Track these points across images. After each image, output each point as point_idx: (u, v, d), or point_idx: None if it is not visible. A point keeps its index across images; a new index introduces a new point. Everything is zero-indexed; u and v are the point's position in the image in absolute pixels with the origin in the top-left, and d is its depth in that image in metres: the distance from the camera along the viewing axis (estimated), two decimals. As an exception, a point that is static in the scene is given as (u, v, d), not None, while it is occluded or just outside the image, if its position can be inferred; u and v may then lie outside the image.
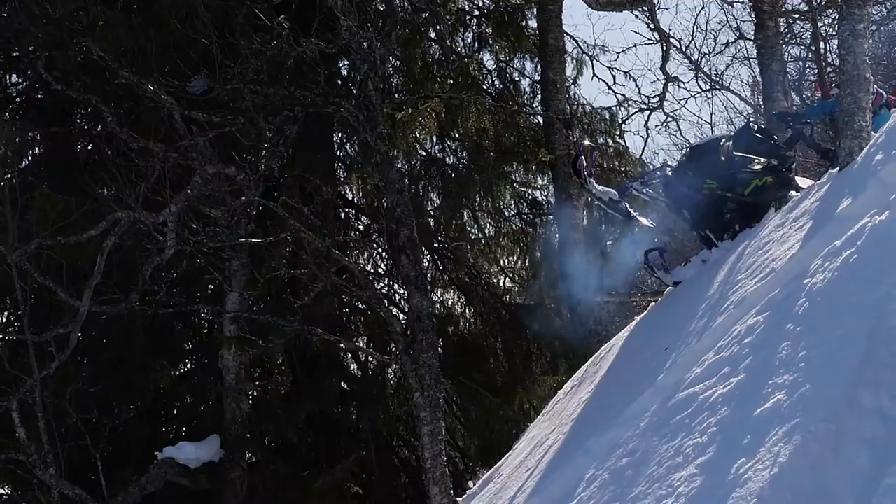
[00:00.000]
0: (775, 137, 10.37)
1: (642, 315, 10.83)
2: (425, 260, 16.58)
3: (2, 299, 15.33)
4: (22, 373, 13.00)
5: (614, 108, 18.98)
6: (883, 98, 11.27)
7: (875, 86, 9.05)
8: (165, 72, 13.91)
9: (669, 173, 10.63)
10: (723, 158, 9.92)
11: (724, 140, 10.26)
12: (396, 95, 16.50)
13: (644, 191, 10.72)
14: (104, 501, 13.48)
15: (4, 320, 15.67)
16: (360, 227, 18.26)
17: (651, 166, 16.85)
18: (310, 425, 16.09)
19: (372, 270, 17.84)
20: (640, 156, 19.26)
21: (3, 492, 15.00)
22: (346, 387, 17.11)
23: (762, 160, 9.85)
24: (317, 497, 15.26)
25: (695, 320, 7.74)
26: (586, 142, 13.04)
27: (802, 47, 22.08)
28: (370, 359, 16.83)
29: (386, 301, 15.97)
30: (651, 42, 20.43)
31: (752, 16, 17.73)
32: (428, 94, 16.39)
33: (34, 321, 13.39)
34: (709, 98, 25.89)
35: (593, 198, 11.18)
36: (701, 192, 9.97)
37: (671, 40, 19.99)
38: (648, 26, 19.70)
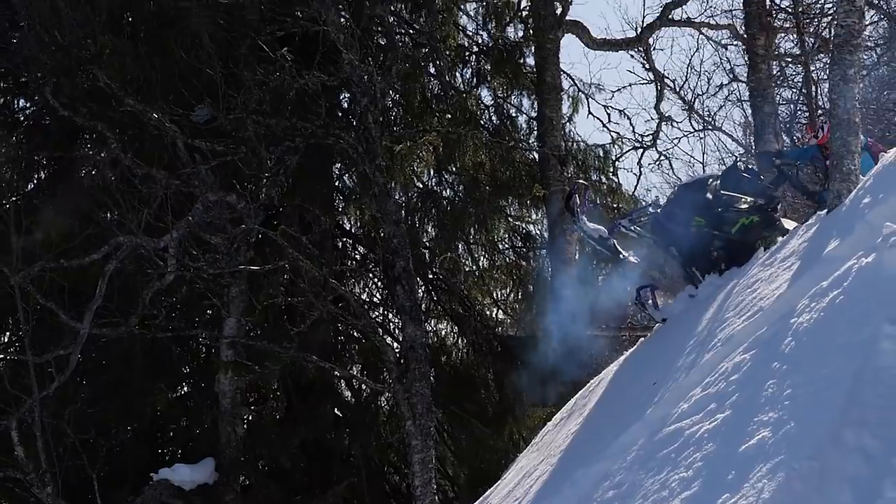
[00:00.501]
0: (762, 177, 10.55)
1: (632, 350, 10.88)
2: (420, 290, 16.71)
3: (4, 320, 15.44)
4: (22, 392, 13.13)
5: (608, 145, 19.34)
6: (862, 142, 11.45)
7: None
8: (170, 100, 14.12)
9: (658, 211, 10.75)
10: (710, 197, 10.05)
11: (711, 179, 10.40)
12: (395, 128, 16.67)
13: (632, 228, 10.81)
14: (99, 521, 13.59)
15: (6, 340, 15.77)
16: (357, 256, 18.30)
17: (643, 203, 17.02)
18: (303, 451, 16.13)
19: (367, 300, 17.86)
20: (633, 193, 19.50)
21: (0, 509, 15.11)
22: (339, 414, 17.15)
23: (749, 199, 9.99)
24: (308, 522, 15.37)
25: (683, 356, 7.79)
26: (580, 180, 13.25)
27: (794, 90, 22.37)
28: (364, 387, 16.87)
29: (380, 330, 16.07)
30: (646, 82, 20.82)
31: (746, 59, 18.07)
32: (426, 127, 16.56)
33: (35, 342, 13.52)
34: (701, 138, 26.14)
35: (583, 235, 11.29)
36: (689, 229, 10.06)
37: (665, 81, 20.40)
38: (643, 66, 20.13)
